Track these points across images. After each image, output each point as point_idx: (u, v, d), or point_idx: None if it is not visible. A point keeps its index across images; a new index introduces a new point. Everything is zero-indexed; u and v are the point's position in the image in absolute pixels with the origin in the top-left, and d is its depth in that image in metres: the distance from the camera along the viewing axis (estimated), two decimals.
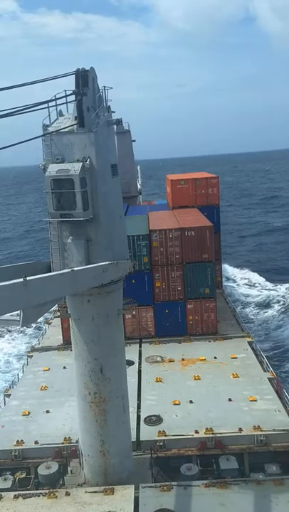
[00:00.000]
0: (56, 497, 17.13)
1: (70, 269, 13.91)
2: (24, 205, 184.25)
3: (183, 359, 27.92)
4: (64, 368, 27.35)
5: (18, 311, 12.52)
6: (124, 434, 17.87)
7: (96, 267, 15.02)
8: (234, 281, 67.14)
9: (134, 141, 55.15)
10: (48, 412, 22.96)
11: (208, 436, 20.00)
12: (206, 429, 20.38)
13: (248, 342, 29.87)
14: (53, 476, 18.79)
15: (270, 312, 53.69)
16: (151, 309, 30.80)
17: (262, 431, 20.05)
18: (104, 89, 15.49)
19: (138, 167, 74.53)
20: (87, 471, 18.00)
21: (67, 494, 17.18)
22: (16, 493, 17.70)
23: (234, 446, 19.75)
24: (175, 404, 22.84)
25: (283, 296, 57.96)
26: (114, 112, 16.07)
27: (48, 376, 27.03)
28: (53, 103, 14.52)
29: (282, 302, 55.96)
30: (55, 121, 15.26)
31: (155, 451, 19.55)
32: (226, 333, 31.29)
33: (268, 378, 24.93)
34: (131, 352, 27.11)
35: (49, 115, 14.88)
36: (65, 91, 14.32)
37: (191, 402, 22.93)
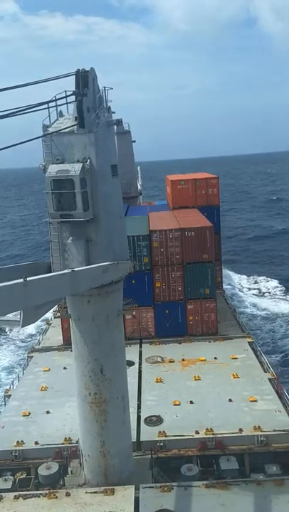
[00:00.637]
0: (56, 497, 17.11)
1: (70, 270, 13.91)
2: (23, 206, 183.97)
3: (183, 359, 27.90)
4: (64, 368, 27.31)
5: (19, 312, 12.53)
6: (124, 434, 17.85)
7: (96, 267, 15.01)
8: (240, 289, 63.26)
9: (134, 141, 55.25)
10: (48, 412, 22.93)
11: (208, 436, 19.98)
12: (207, 429, 20.36)
13: (248, 342, 29.84)
14: (53, 476, 18.74)
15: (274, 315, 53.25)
16: (151, 310, 30.80)
17: (262, 431, 20.04)
18: (105, 90, 15.50)
19: (138, 168, 74.53)
20: (88, 471, 17.98)
21: (68, 495, 17.17)
22: (16, 493, 17.68)
23: (234, 447, 19.73)
24: (175, 404, 22.83)
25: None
26: (114, 112, 16.10)
27: (48, 376, 26.99)
28: (53, 104, 14.55)
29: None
30: (55, 121, 15.27)
31: (155, 451, 19.53)
32: (226, 333, 31.27)
33: (269, 379, 24.90)
34: (131, 352, 27.06)
35: (49, 116, 14.91)
36: (66, 91, 14.36)
37: (191, 402, 22.91)
